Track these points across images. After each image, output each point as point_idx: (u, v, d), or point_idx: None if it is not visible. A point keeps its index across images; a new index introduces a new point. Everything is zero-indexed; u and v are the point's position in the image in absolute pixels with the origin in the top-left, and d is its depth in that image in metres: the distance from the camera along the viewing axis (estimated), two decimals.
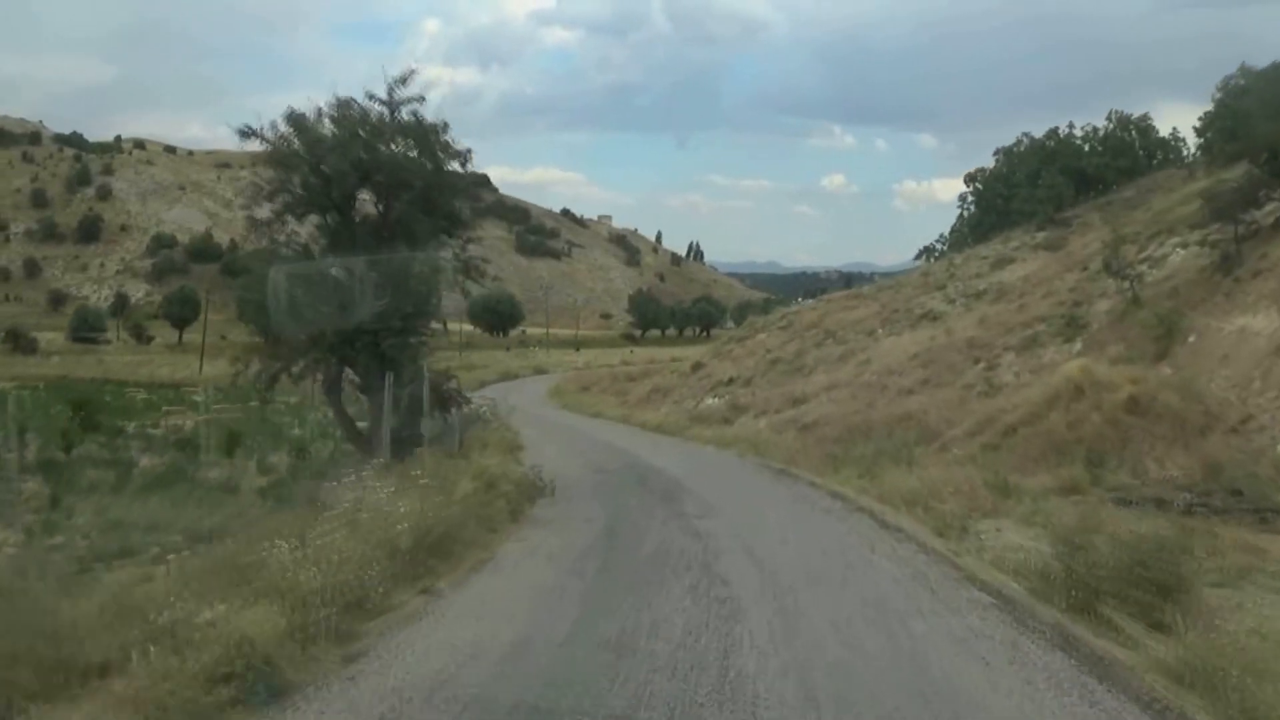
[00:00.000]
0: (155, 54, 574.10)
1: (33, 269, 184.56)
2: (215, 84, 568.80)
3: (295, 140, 17.27)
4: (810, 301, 48.43)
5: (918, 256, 57.50)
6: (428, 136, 18.13)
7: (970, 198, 55.89)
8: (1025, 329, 29.27)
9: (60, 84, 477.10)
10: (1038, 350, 27.80)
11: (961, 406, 24.95)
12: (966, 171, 55.96)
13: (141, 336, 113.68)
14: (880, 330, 37.61)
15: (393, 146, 17.92)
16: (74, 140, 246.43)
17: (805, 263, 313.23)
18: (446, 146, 18.45)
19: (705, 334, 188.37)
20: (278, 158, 17.38)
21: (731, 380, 37.49)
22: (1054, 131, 53.42)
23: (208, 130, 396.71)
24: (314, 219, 18.34)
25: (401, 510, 11.08)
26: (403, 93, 17.95)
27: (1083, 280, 31.69)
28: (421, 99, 18.05)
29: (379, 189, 18.14)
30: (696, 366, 42.92)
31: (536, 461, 20.78)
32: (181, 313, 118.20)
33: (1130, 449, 19.46)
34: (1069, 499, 16.12)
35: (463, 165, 19.18)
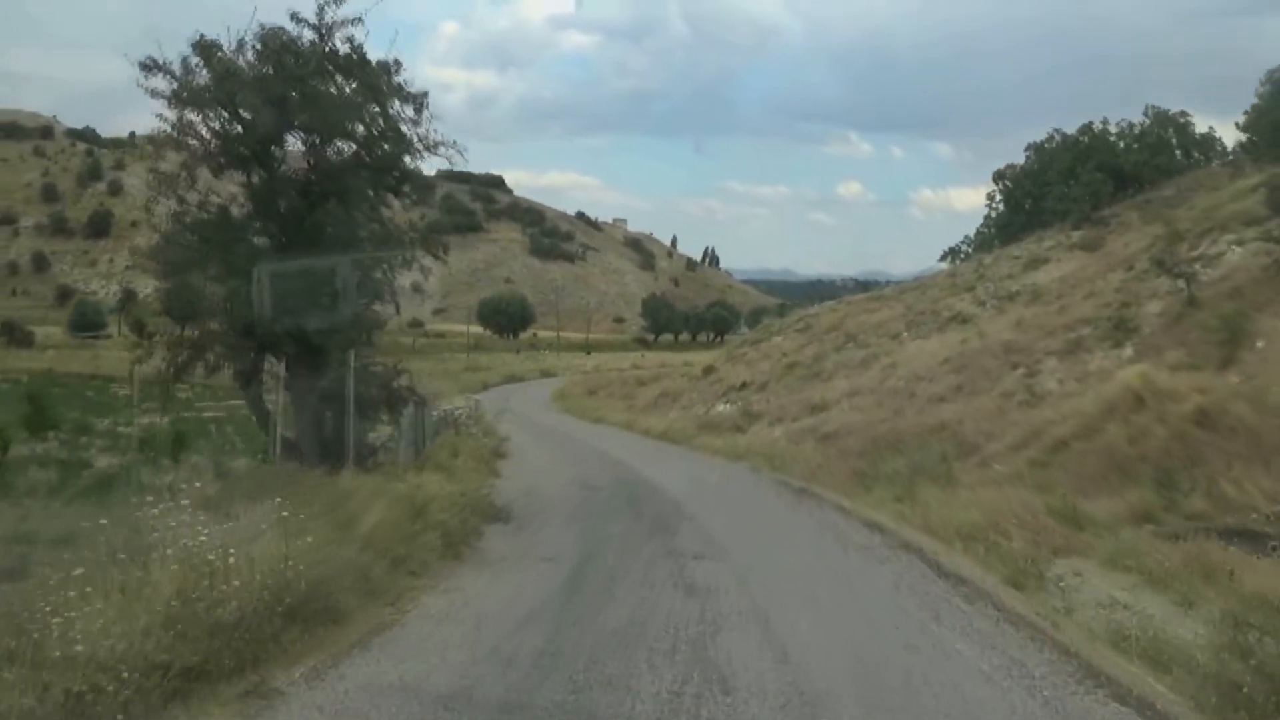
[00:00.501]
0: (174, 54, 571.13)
1: (41, 263, 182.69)
2: None
3: (203, 73, 14.19)
4: (830, 303, 45.75)
5: (943, 258, 54.75)
6: (373, 75, 15.05)
7: (999, 196, 53.10)
8: (1068, 332, 26.66)
9: (76, 82, 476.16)
10: (1082, 355, 25.20)
11: (1001, 416, 22.35)
12: (995, 169, 53.11)
13: (143, 332, 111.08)
14: (905, 333, 35.00)
15: (330, 86, 14.79)
16: (86, 135, 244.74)
17: (821, 270, 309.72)
18: (399, 89, 15.31)
19: (719, 339, 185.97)
20: (182, 96, 14.20)
21: (745, 385, 34.92)
22: (1088, 127, 50.66)
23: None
24: (239, 177, 15.22)
25: (252, 555, 7.84)
26: (336, 12, 14.84)
27: (1129, 280, 29.11)
28: (358, 21, 14.88)
29: (309, 136, 15.15)
30: (708, 371, 40.37)
31: (519, 473, 18.45)
32: (183, 308, 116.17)
33: (1202, 468, 16.83)
34: (1143, 528, 13.56)
35: (417, 112, 15.71)
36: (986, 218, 53.95)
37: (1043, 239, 42.10)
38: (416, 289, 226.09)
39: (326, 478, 12.42)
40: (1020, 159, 53.01)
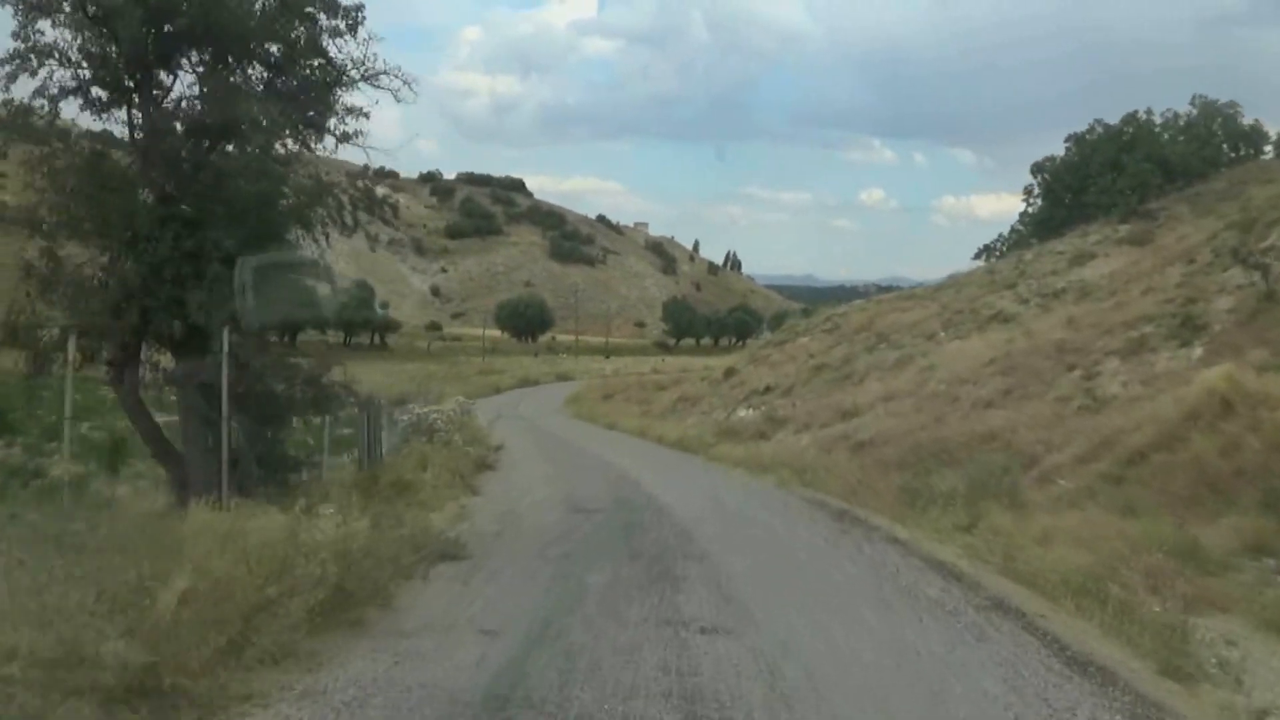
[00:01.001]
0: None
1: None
2: None
3: None
4: (859, 302, 43.15)
5: (977, 256, 52.00)
6: None
7: (1037, 190, 50.37)
8: (1128, 330, 24.06)
9: None
10: (1146, 355, 22.62)
11: (1059, 424, 19.79)
12: (1034, 161, 50.30)
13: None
14: (942, 333, 32.44)
15: None
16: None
17: (843, 276, 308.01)
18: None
19: (741, 344, 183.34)
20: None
21: (768, 389, 32.41)
22: (1131, 117, 47.87)
23: None
24: (121, 115, 12.20)
25: None
26: None
27: (1191, 274, 26.51)
28: None
29: (203, 56, 11.99)
30: (729, 373, 37.86)
31: (502, 491, 16.09)
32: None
33: None
34: (1262, 562, 11.04)
35: (351, 30, 12.67)
36: (1024, 213, 51.28)
37: (1087, 233, 39.46)
38: (435, 292, 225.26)
39: (180, 510, 9.49)
40: (1044, 165, 50.35)
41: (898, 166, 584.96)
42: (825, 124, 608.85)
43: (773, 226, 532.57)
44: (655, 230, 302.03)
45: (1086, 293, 31.68)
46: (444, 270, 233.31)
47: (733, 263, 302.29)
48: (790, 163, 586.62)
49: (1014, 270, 37.96)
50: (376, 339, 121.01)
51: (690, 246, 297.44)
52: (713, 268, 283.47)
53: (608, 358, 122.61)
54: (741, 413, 31.22)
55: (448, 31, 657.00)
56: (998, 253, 50.32)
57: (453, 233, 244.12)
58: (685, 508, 16.83)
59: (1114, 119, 48.21)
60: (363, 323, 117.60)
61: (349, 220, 13.61)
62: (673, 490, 19.34)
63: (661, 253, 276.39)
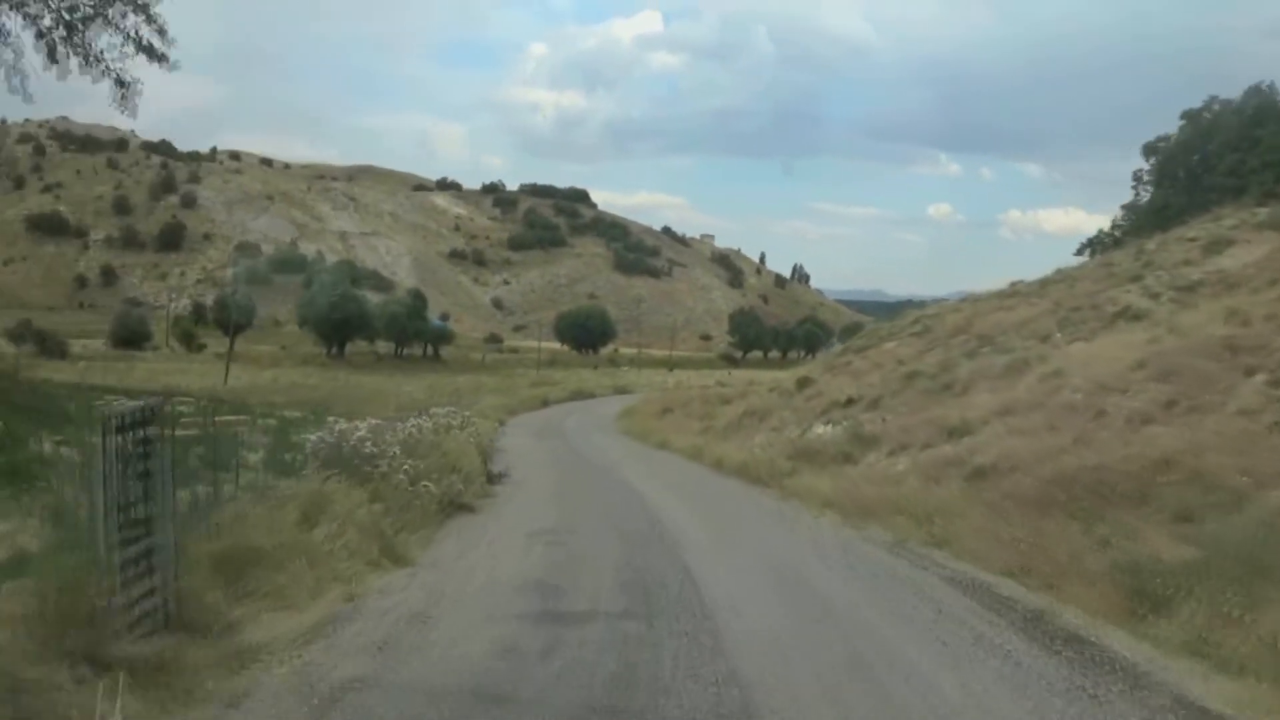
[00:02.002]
0: (260, 76, 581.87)
1: (110, 276, 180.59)
2: (319, 106, 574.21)
3: None
4: (951, 300, 37.88)
5: (1079, 251, 46.50)
6: None
7: (1147, 176, 44.80)
8: None
9: (165, 103, 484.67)
10: None
11: (1255, 445, 14.60)
12: (1146, 141, 44.75)
13: (191, 344, 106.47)
14: (1058, 334, 27.14)
15: None
16: (162, 148, 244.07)
17: (911, 291, 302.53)
18: None
19: (811, 357, 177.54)
20: None
21: (851, 401, 27.34)
22: (1254, 88, 42.17)
23: (314, 150, 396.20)
24: None
25: None
26: None
27: None
28: None
29: None
30: (803, 384, 32.75)
31: (455, 555, 11.16)
32: (235, 319, 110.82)
33: None
34: None
35: None
36: (1134, 198, 45.68)
37: (1220, 217, 33.89)
38: (497, 305, 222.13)
39: None
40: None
41: (964, 180, 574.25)
42: (891, 138, 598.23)
43: (839, 241, 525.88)
44: (721, 244, 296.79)
45: (1231, 284, 26.35)
46: (506, 282, 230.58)
47: (800, 275, 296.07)
48: (856, 177, 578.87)
49: (1135, 261, 32.48)
50: (429, 350, 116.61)
51: (757, 259, 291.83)
52: (780, 280, 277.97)
53: (670, 370, 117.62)
54: (819, 429, 26.18)
55: (515, 47, 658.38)
56: (1105, 245, 44.75)
57: (515, 245, 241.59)
58: (752, 613, 9.78)
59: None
60: (414, 333, 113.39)
61: None
62: (730, 561, 12.77)
63: (728, 265, 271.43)
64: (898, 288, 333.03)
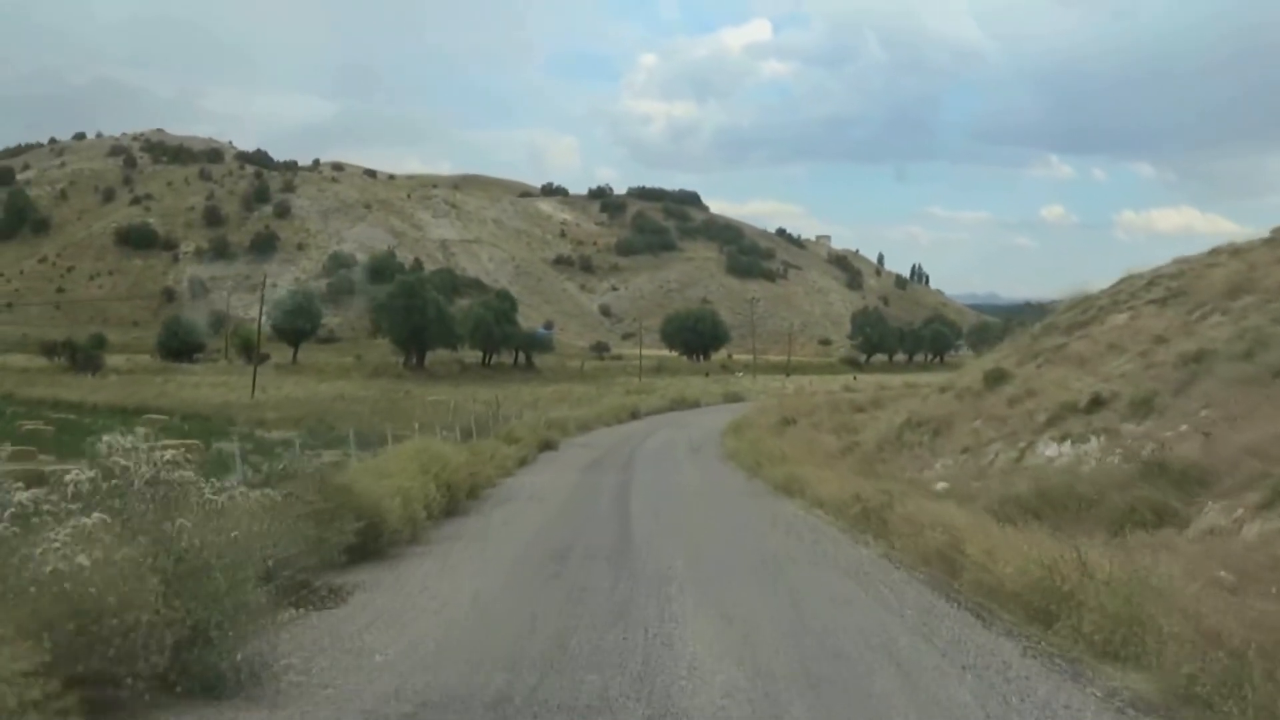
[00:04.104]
0: (374, 92, 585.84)
1: (198, 288, 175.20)
2: (431, 120, 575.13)
3: None
4: (1198, 255, 26.54)
5: None
6: None
7: None
8: None
9: (279, 121, 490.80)
10: None
11: None
12: None
13: (250, 355, 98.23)
14: None
15: None
16: (256, 158, 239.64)
17: (1025, 294, 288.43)
18: None
19: (939, 360, 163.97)
20: None
21: (1099, 402, 16.52)
22: None
23: (426, 165, 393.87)
24: None
25: None
26: None
27: None
28: None
29: None
30: (997, 378, 21.83)
31: None
32: (296, 328, 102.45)
33: None
34: None
35: None
36: None
37: None
38: (605, 312, 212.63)
39: None
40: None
41: (1076, 182, 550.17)
42: (1003, 141, 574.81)
43: (952, 245, 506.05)
44: (838, 245, 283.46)
45: None
46: (614, 289, 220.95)
47: (919, 275, 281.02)
48: (968, 180, 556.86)
49: None
50: (521, 359, 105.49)
51: (874, 259, 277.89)
52: (900, 281, 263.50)
53: (788, 376, 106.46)
54: (1051, 449, 15.57)
55: (626, 59, 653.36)
56: None
57: (624, 249, 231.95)
58: None
59: None
60: (504, 339, 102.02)
61: None
62: None
63: (845, 266, 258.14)
64: (1012, 291, 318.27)
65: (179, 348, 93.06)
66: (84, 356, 74.95)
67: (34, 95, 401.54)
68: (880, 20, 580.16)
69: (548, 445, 32.24)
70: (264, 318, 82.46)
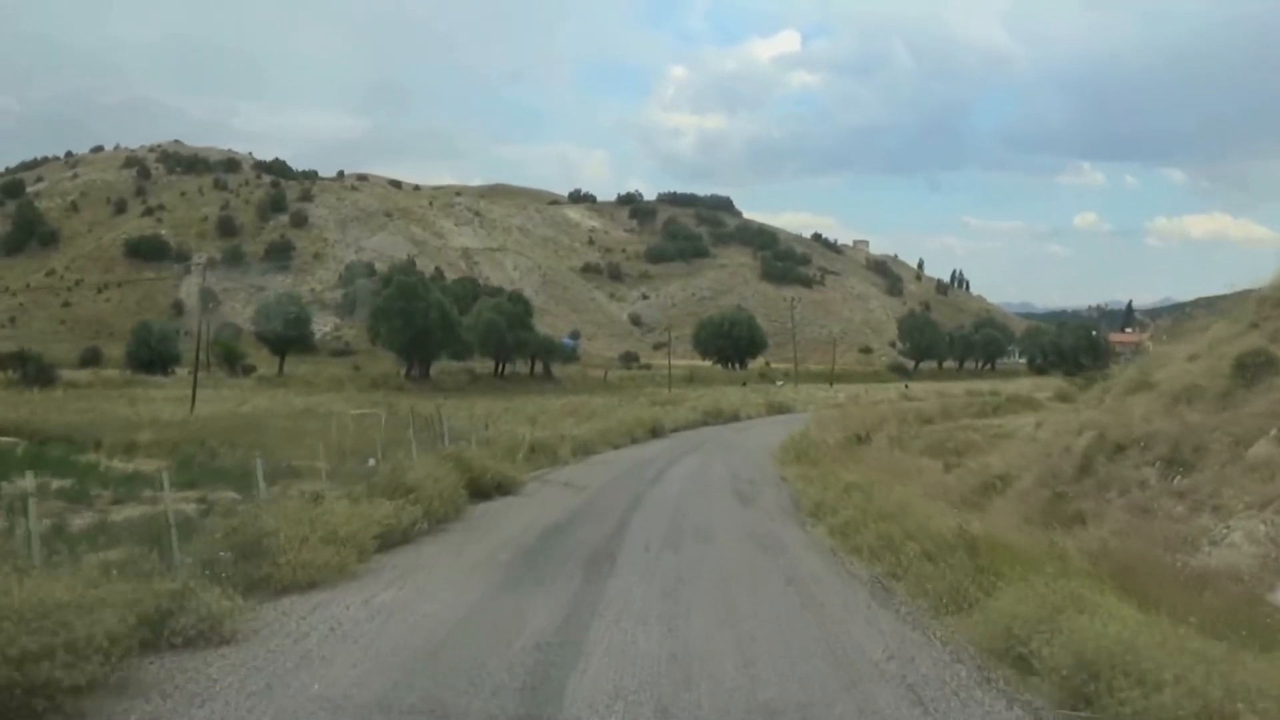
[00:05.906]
0: (403, 108, 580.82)
1: (209, 299, 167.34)
2: (463, 134, 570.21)
3: None
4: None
5: None
6: None
7: None
8: None
9: (311, 136, 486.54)
10: None
11: None
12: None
13: (235, 367, 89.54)
14: None
15: None
16: (274, 167, 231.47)
17: (1059, 302, 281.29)
18: None
19: (990, 367, 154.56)
20: None
21: None
22: None
23: (457, 179, 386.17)
24: None
25: None
26: None
27: None
28: None
29: None
30: (1257, 365, 12.86)
31: None
32: (282, 336, 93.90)
33: None
34: None
35: None
36: None
37: None
38: (635, 321, 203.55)
39: None
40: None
41: (1108, 189, 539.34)
42: (1034, 149, 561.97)
43: (986, 255, 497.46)
44: (876, 251, 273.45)
45: None
46: (644, 296, 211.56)
47: (960, 281, 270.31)
48: (1001, 189, 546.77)
49: None
50: (538, 368, 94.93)
51: (915, 265, 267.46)
52: (941, 286, 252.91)
53: (832, 385, 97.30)
54: None
55: (656, 71, 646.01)
56: None
57: (654, 256, 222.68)
58: None
59: None
60: (518, 346, 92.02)
61: None
62: None
63: (885, 272, 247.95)
64: (1045, 300, 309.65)
65: (149, 359, 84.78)
66: (34, 370, 68.76)
67: (61, 117, 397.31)
68: (908, 29, 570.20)
69: (499, 489, 21.44)
70: (251, 326, 74.29)
